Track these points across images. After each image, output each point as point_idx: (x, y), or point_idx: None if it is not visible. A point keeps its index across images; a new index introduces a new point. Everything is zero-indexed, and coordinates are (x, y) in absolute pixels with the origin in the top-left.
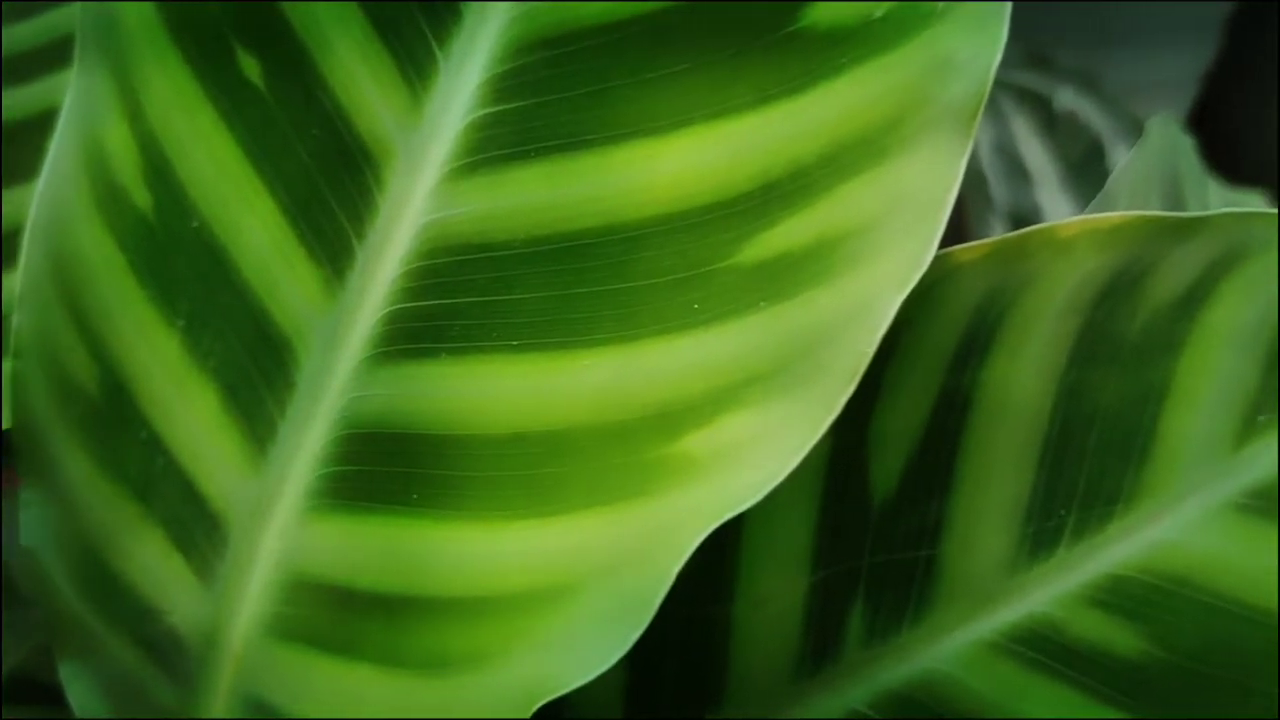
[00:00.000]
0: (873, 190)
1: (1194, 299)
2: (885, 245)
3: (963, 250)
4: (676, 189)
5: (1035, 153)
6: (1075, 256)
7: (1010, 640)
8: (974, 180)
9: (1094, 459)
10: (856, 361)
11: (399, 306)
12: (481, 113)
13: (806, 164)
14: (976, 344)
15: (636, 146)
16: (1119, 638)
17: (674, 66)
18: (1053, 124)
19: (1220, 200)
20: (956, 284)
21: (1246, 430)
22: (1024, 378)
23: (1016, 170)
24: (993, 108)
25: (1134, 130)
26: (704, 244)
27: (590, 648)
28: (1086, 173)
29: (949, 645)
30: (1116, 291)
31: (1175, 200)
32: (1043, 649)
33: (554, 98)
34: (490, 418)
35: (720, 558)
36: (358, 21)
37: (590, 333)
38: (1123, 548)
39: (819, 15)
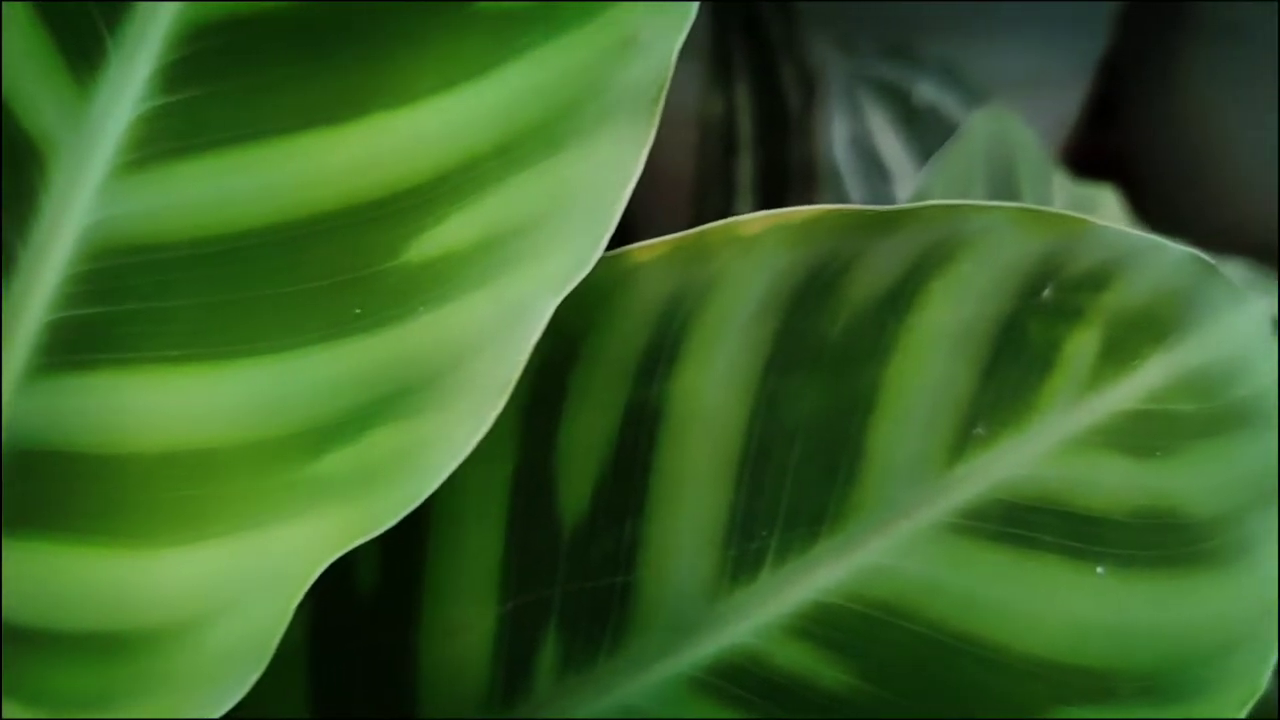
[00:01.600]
0: (543, 183)
1: (900, 299)
2: (550, 244)
3: (640, 249)
4: (349, 183)
5: (893, 147)
6: (763, 254)
7: (710, 674)
8: (828, 177)
9: (797, 475)
10: (509, 372)
11: (62, 314)
12: (152, 104)
13: (479, 155)
14: (663, 352)
15: (311, 138)
16: (825, 671)
17: (355, 52)
18: (912, 117)
19: (1064, 195)
20: (637, 286)
21: (961, 443)
22: (716, 388)
23: (873, 165)
24: (849, 101)
25: None
26: (372, 242)
27: (212, 688)
28: None
29: (647, 679)
30: (813, 292)
31: (1004, 193)
32: (744, 683)
33: (228, 87)
34: (144, 436)
35: (404, 584)
36: (24, 9)
37: (251, 341)
38: (829, 573)
39: None
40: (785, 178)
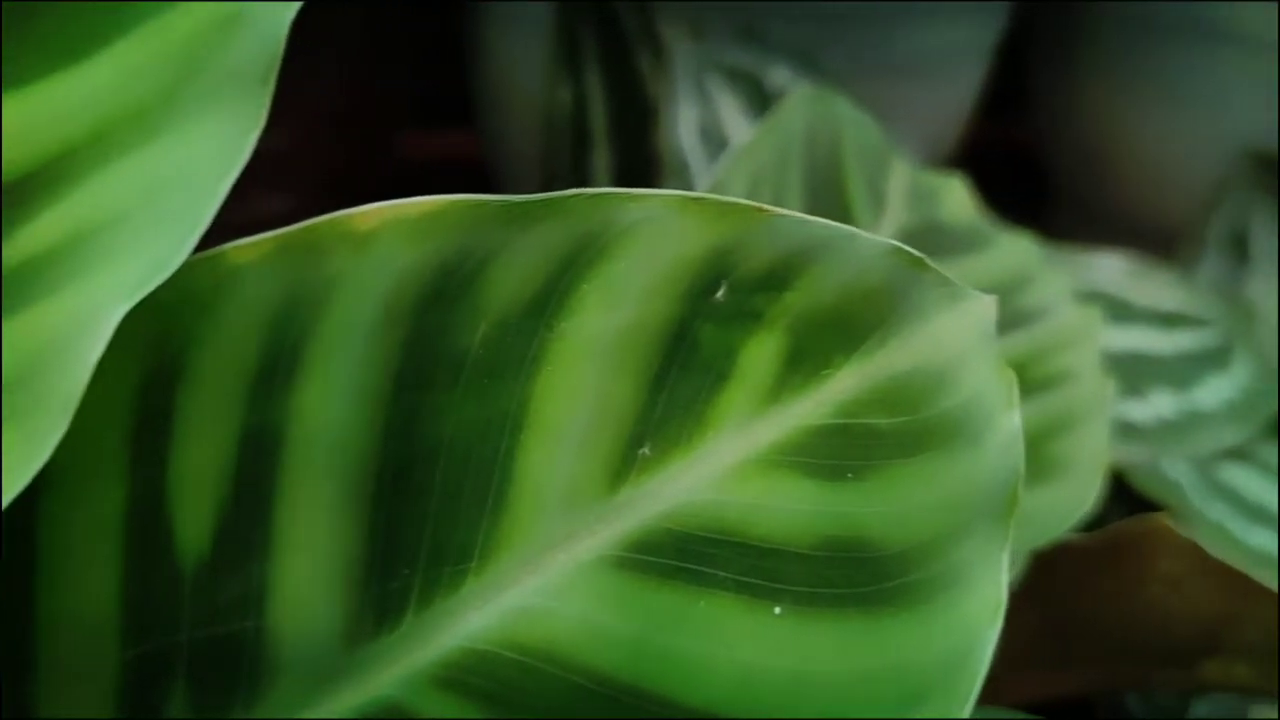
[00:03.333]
0: (135, 175)
1: (548, 304)
2: (132, 244)
3: (240, 248)
4: None
5: (746, 136)
6: (381, 253)
7: None
8: (675, 167)
9: (440, 505)
10: (71, 389)
11: None
12: None
13: (76, 144)
14: (280, 365)
15: None
16: None
17: None
18: (765, 104)
19: (904, 184)
20: (243, 290)
21: (625, 466)
22: (341, 406)
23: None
24: (697, 88)
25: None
26: None
27: None
28: None
29: None
30: (445, 296)
31: (827, 184)
32: None
33: None
34: None
35: (15, 625)
36: None
37: None
38: (480, 615)
39: None
40: (646, 170)
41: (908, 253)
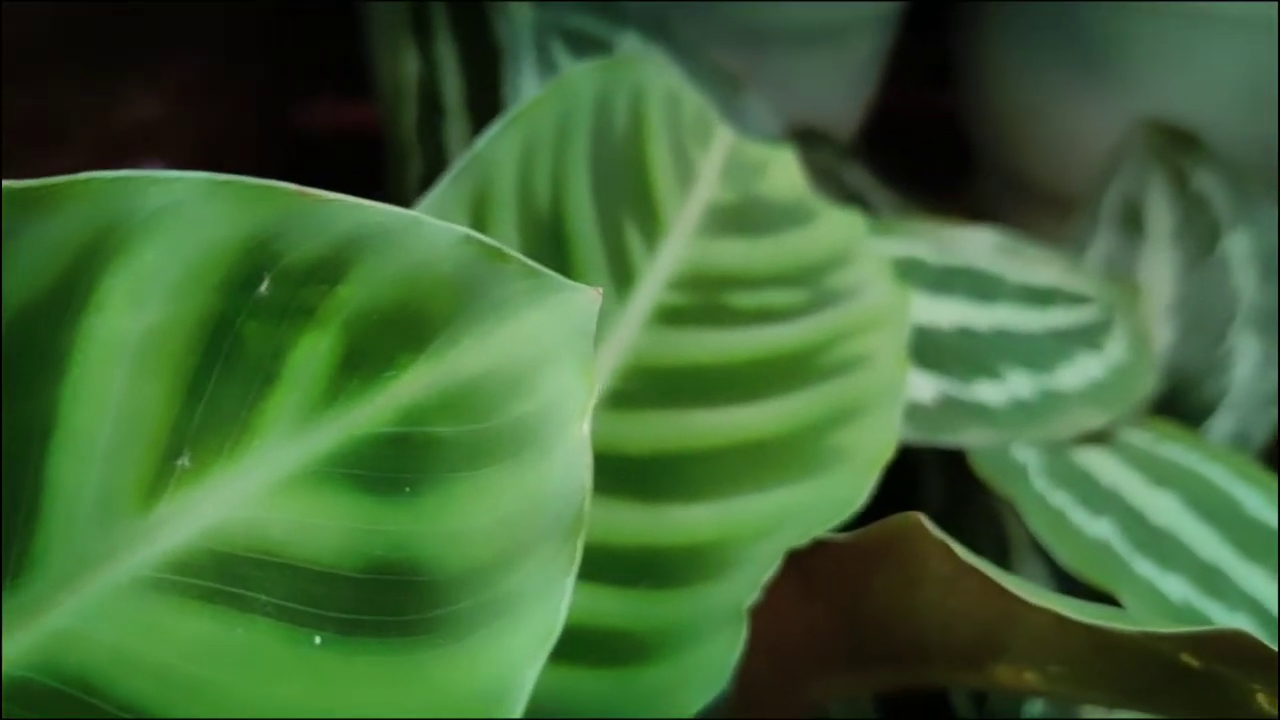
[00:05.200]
0: None
1: (72, 300)
2: None
3: None
4: None
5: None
6: None
7: None
8: None
9: None
10: None
11: None
12: None
13: None
14: None
15: None
16: None
17: None
18: None
19: (722, 157)
20: None
21: (161, 479)
22: None
23: None
24: (542, 55)
25: (716, 79)
26: None
27: None
28: None
29: None
30: None
31: (623, 156)
32: None
33: None
34: None
35: None
36: None
37: None
38: (18, 639)
39: None
40: None
41: (483, 243)
